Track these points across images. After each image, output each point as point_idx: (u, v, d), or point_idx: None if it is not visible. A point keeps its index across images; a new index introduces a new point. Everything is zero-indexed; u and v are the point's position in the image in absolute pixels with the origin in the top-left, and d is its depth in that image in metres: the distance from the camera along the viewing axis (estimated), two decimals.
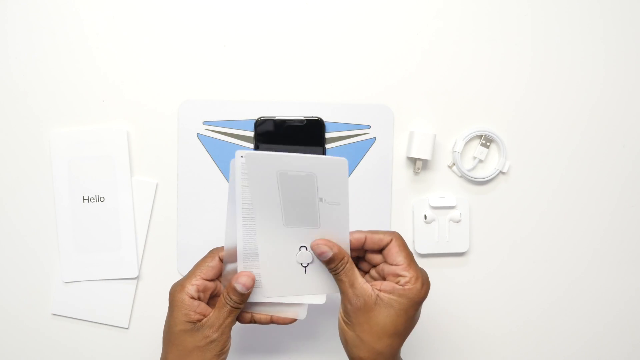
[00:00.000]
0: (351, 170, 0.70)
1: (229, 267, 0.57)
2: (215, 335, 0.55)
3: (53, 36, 0.67)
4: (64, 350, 0.70)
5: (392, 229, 0.71)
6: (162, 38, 0.68)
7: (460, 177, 0.72)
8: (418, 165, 0.70)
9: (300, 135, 0.69)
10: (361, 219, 0.70)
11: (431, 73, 0.70)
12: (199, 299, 0.56)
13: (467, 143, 0.71)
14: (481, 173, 0.72)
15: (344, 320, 0.56)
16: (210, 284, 0.57)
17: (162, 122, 0.69)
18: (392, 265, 0.56)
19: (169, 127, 0.69)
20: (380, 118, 0.70)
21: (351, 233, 0.56)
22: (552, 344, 0.75)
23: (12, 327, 0.69)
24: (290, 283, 0.58)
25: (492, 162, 0.72)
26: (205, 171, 0.69)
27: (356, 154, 0.70)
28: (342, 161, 0.54)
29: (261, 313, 0.59)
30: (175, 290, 0.56)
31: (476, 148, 0.71)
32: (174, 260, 0.69)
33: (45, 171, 0.68)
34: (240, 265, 0.56)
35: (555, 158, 0.73)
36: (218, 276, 0.58)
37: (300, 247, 0.57)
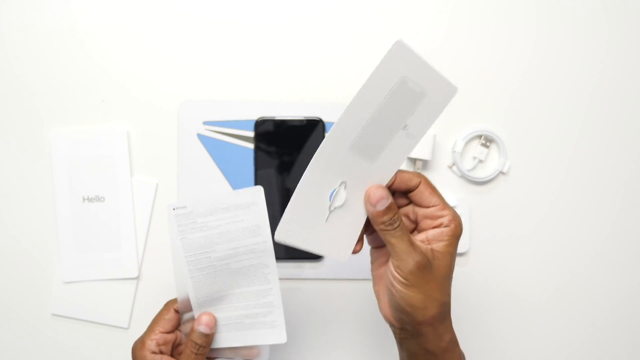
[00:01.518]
0: None
1: (186, 316, 0.57)
2: None
3: (53, 36, 0.67)
4: (64, 350, 0.70)
5: None
6: (162, 38, 0.68)
7: (460, 177, 0.72)
8: (418, 165, 0.70)
9: (300, 135, 0.69)
10: None
11: None
12: (160, 352, 0.56)
13: (467, 143, 0.71)
14: (481, 173, 0.72)
15: (405, 284, 0.50)
16: (170, 336, 0.57)
17: (162, 122, 0.69)
18: (426, 207, 0.52)
19: (169, 127, 0.69)
20: None
21: None
22: (553, 344, 0.75)
23: (12, 327, 0.69)
24: (308, 230, 0.52)
25: (492, 162, 0.72)
26: (205, 171, 0.69)
27: None
28: (454, 89, 0.50)
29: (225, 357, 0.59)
30: (136, 348, 0.56)
31: (476, 148, 0.71)
32: None
33: (45, 171, 0.68)
34: (196, 313, 0.56)
35: (556, 158, 0.73)
36: (176, 327, 0.58)
37: (341, 183, 0.51)
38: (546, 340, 0.75)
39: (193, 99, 0.69)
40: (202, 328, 0.55)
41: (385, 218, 0.50)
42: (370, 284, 0.72)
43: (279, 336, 0.57)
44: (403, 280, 0.50)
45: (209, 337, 0.56)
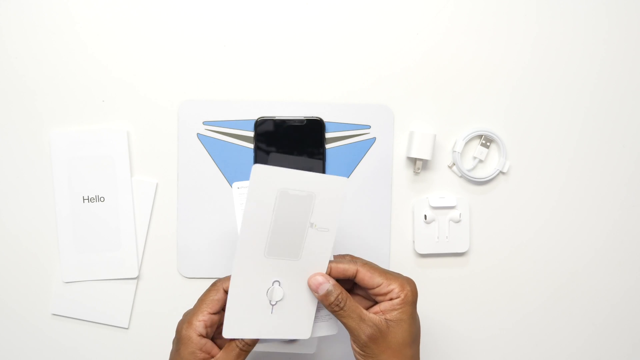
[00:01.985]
0: (351, 170, 0.70)
1: None
2: None
3: (53, 36, 0.67)
4: (64, 350, 0.70)
5: (392, 229, 0.71)
6: (162, 38, 0.68)
7: (460, 177, 0.72)
8: (418, 165, 0.70)
9: (300, 135, 0.69)
10: (361, 219, 0.70)
11: (431, 73, 0.70)
12: (206, 335, 0.55)
13: (467, 143, 0.71)
14: (481, 173, 0.72)
15: (363, 355, 0.55)
16: (216, 317, 0.56)
17: (162, 122, 0.69)
18: (372, 288, 0.56)
19: (169, 127, 0.69)
20: (380, 118, 0.70)
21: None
22: (552, 344, 0.75)
23: (12, 327, 0.69)
24: (255, 323, 0.55)
25: (492, 162, 0.72)
26: (205, 171, 0.69)
27: (356, 154, 0.70)
28: (343, 181, 0.53)
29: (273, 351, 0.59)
30: (183, 327, 0.55)
31: (476, 148, 0.71)
32: (174, 260, 0.69)
33: (45, 171, 0.68)
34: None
35: (556, 158, 0.73)
36: (223, 308, 0.56)
37: (274, 282, 0.55)
38: (546, 340, 0.75)
39: (193, 99, 0.69)
40: None
41: (331, 299, 0.54)
42: None
43: (330, 329, 0.58)
44: (361, 352, 0.55)
45: (255, 340, 0.55)
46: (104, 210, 0.68)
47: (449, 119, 0.71)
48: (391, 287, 0.55)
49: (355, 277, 0.56)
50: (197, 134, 0.68)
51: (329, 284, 0.54)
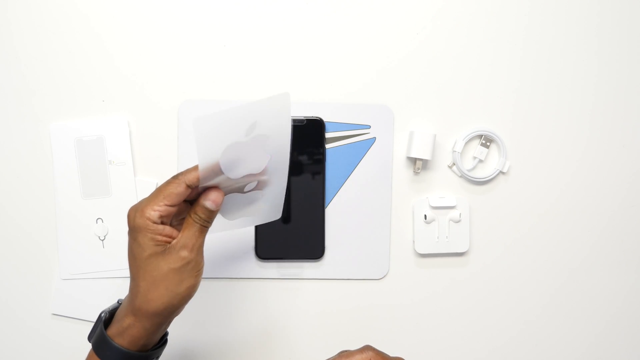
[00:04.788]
0: (351, 170, 0.70)
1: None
2: (191, 256, 0.53)
3: (53, 36, 0.67)
4: (64, 351, 0.70)
5: (392, 229, 0.71)
6: (162, 38, 0.68)
7: (460, 177, 0.72)
8: (418, 165, 0.70)
9: (300, 135, 0.69)
10: (361, 219, 0.70)
11: (431, 73, 0.70)
12: (161, 224, 0.53)
13: (467, 143, 0.71)
14: (481, 173, 0.72)
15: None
16: (173, 210, 0.53)
17: (162, 122, 0.69)
18: None
19: (169, 127, 0.69)
20: (380, 118, 0.70)
21: None
22: (552, 343, 0.75)
23: (12, 327, 0.69)
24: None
25: (492, 162, 0.72)
26: None
27: (356, 154, 0.70)
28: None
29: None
30: (135, 216, 0.52)
31: (476, 148, 0.71)
32: None
33: (45, 171, 0.68)
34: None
35: (556, 158, 0.73)
36: (181, 203, 0.54)
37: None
38: (546, 339, 0.75)
39: (193, 99, 0.69)
40: (209, 204, 0.53)
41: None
42: (370, 284, 0.72)
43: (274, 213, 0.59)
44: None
45: (213, 214, 0.54)
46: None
47: (449, 119, 0.71)
48: None
49: None
50: None
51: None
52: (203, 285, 0.69)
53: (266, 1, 0.69)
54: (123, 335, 0.53)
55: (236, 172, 0.53)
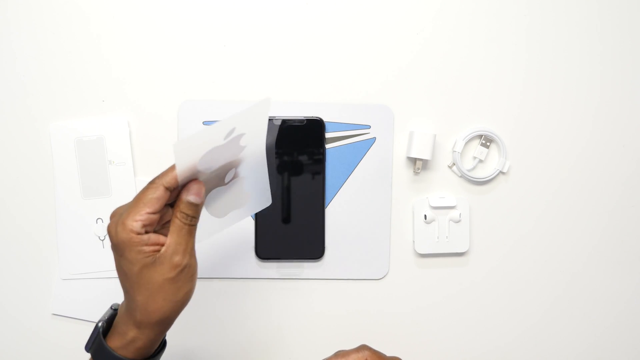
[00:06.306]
0: (351, 170, 0.70)
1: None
2: (184, 261, 0.50)
3: (53, 36, 0.67)
4: (64, 351, 0.70)
5: (392, 229, 0.71)
6: (162, 38, 0.68)
7: (460, 177, 0.72)
8: (418, 165, 0.70)
9: (300, 135, 0.69)
10: (361, 219, 0.70)
11: (431, 73, 0.70)
12: (146, 233, 0.50)
13: (467, 143, 0.71)
14: (481, 173, 0.72)
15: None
16: (155, 217, 0.50)
17: (162, 122, 0.69)
18: None
19: (169, 127, 0.69)
20: (380, 118, 0.70)
21: None
22: (552, 344, 0.75)
23: (12, 327, 0.69)
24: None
25: (492, 162, 0.72)
26: None
27: (356, 154, 0.70)
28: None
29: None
30: (117, 231, 0.49)
31: (476, 148, 0.71)
32: None
33: (46, 170, 0.68)
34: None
35: (555, 158, 0.73)
36: (163, 208, 0.51)
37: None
38: (547, 339, 0.75)
39: (193, 99, 0.69)
40: (192, 198, 0.51)
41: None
42: (370, 284, 0.72)
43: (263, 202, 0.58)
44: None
45: (198, 207, 0.51)
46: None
47: (449, 119, 0.71)
48: None
49: None
50: None
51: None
52: (203, 285, 0.70)
53: (266, 1, 0.69)
54: (128, 347, 0.52)
55: (213, 166, 0.52)
